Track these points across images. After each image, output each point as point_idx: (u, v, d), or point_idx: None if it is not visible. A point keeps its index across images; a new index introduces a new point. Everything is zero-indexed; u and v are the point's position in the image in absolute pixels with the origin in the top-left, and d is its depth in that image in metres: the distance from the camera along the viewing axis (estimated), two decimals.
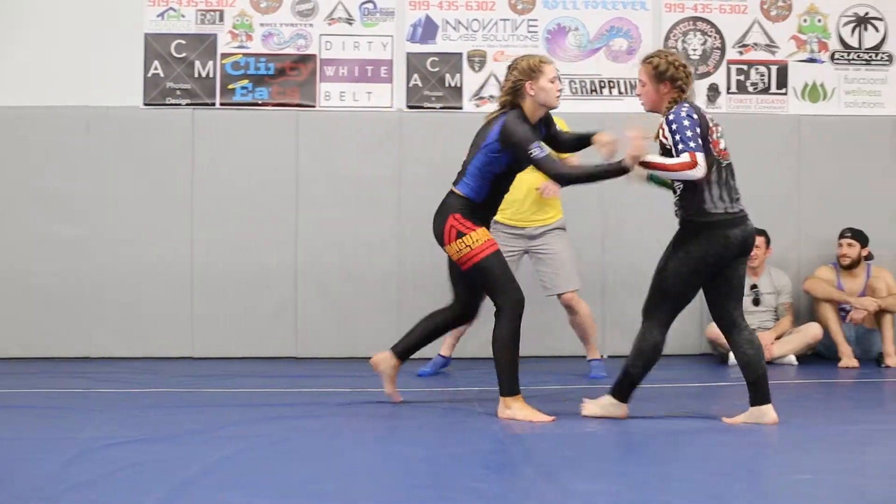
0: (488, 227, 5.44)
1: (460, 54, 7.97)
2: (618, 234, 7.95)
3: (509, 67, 5.43)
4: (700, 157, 4.86)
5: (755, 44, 8.07)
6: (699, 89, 7.98)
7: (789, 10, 8.13)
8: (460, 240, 5.28)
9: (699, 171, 4.85)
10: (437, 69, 7.98)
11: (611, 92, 7.98)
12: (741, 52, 8.09)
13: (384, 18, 7.95)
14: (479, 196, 5.35)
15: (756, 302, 7.76)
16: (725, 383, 6.74)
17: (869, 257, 7.72)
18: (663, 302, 5.08)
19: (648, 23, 8.02)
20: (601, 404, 5.27)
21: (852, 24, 8.16)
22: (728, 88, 8.08)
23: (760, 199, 7.78)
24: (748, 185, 7.55)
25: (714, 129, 5.07)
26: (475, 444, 4.69)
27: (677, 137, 4.91)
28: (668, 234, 5.29)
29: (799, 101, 8.07)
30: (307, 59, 7.92)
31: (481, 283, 5.37)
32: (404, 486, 3.88)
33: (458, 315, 5.64)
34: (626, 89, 7.95)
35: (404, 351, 5.66)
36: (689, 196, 5.02)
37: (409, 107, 7.96)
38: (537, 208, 6.89)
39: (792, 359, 7.49)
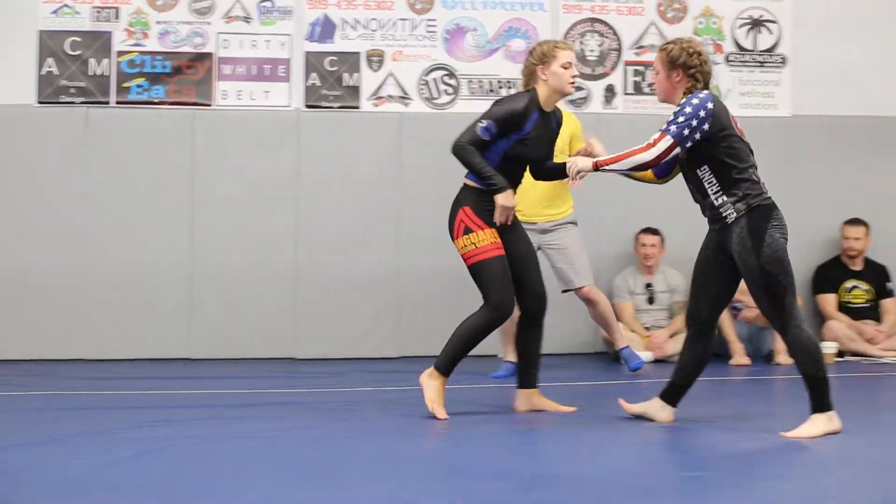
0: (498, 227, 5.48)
1: (358, 54, 8.36)
2: None
3: (528, 52, 5.59)
4: (664, 142, 4.92)
5: (652, 45, 8.49)
6: (596, 90, 8.53)
7: (685, 11, 8.63)
8: (467, 236, 5.37)
9: (649, 154, 4.95)
10: (335, 68, 8.35)
11: (509, 92, 8.28)
12: (638, 54, 8.56)
13: (282, 17, 8.31)
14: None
15: (650, 300, 8.27)
16: (617, 382, 7.11)
17: None
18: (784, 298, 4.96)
19: (546, 24, 8.45)
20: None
21: (747, 27, 8.67)
22: (625, 89, 8.54)
23: (656, 197, 8.39)
24: (643, 185, 8.42)
25: (733, 117, 5.11)
26: (356, 448, 4.79)
27: (673, 117, 4.95)
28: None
29: None
30: (204, 57, 8.26)
31: (478, 283, 5.42)
32: (291, 487, 3.98)
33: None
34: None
35: (445, 365, 5.53)
36: (736, 183, 4.99)
37: (308, 106, 8.31)
38: (549, 202, 7.08)
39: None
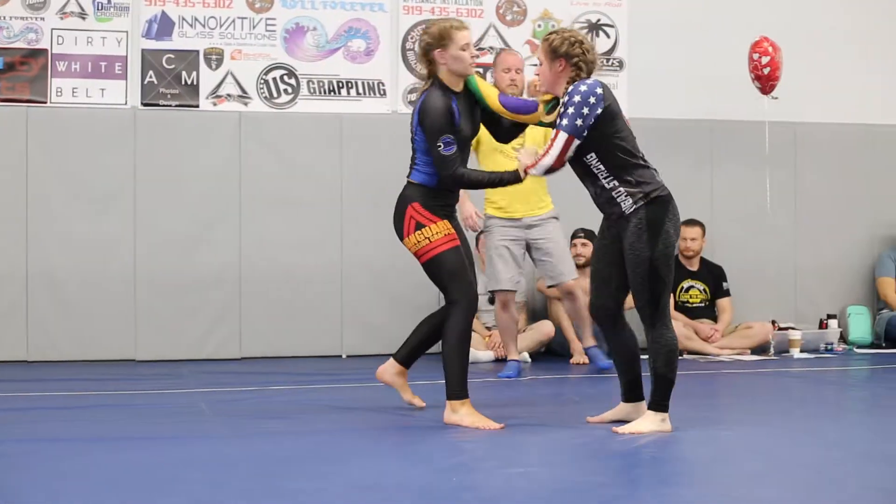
0: (452, 216, 5.68)
1: (197, 52, 8.78)
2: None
3: (422, 30, 5.66)
4: (559, 140, 5.04)
5: (491, 47, 9.15)
6: None
7: (524, 14, 9.28)
8: (419, 231, 5.50)
9: (550, 158, 5.09)
10: (172, 66, 8.75)
11: (349, 92, 8.94)
12: (477, 56, 9.42)
13: (119, 14, 8.67)
14: (432, 180, 5.56)
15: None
16: (488, 380, 7.49)
17: None
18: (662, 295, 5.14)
19: (386, 24, 9.00)
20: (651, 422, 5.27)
21: (585, 30, 9.32)
22: None
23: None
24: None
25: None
26: (178, 451, 4.98)
27: (569, 109, 5.05)
28: None
29: None
30: (38, 53, 8.58)
31: (436, 278, 5.55)
32: (92, 493, 4.08)
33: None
34: (364, 90, 8.95)
35: (406, 357, 5.95)
36: (628, 170, 5.12)
37: (144, 104, 8.69)
38: (532, 197, 7.56)
39: (525, 356, 8.45)
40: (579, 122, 5.01)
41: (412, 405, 6.07)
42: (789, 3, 9.73)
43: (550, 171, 5.17)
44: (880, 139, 10.02)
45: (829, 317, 9.34)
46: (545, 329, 8.82)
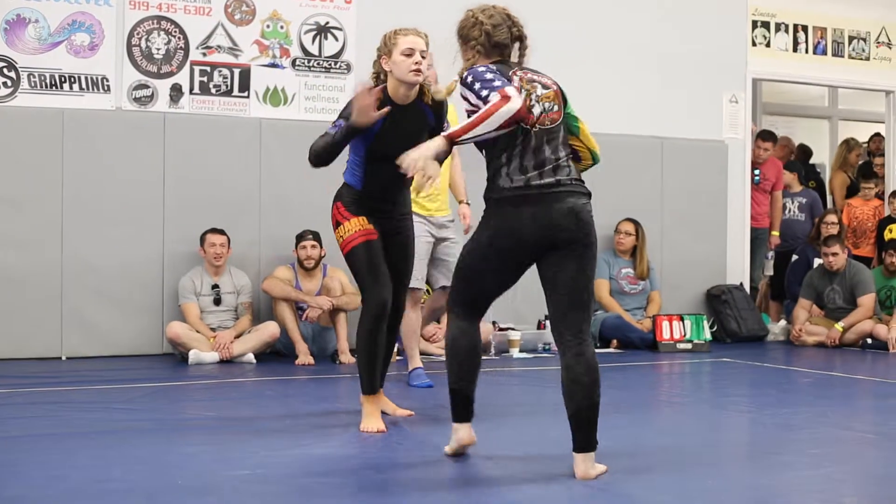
0: (377, 214, 5.69)
1: None
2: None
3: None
4: (511, 89, 4.42)
5: (219, 46, 9.28)
6: (162, 89, 9.15)
7: (253, 14, 9.42)
8: (338, 230, 5.64)
9: (515, 102, 4.37)
10: None
11: (72, 87, 8.87)
12: (205, 54, 9.23)
13: None
14: (358, 183, 5.69)
15: (217, 301, 8.93)
16: (184, 382, 7.73)
17: (323, 257, 9.05)
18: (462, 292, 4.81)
19: (112, 19, 8.98)
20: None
21: (313, 32, 9.60)
22: (191, 89, 9.20)
23: (222, 199, 9.12)
24: (212, 185, 9.35)
25: (527, 85, 4.66)
26: None
27: (477, 86, 4.50)
28: None
29: (261, 104, 9.42)
30: None
31: (353, 275, 5.70)
32: None
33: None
34: (87, 85, 8.90)
35: (365, 385, 5.74)
36: (489, 168, 4.69)
37: None
38: (445, 196, 7.55)
39: (250, 357, 8.67)
40: (504, 79, 4.54)
41: (401, 416, 6.10)
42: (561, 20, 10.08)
43: (513, 120, 4.43)
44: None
45: (547, 318, 9.76)
46: (270, 330, 8.98)
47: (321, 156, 5.52)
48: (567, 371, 4.52)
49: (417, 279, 7.17)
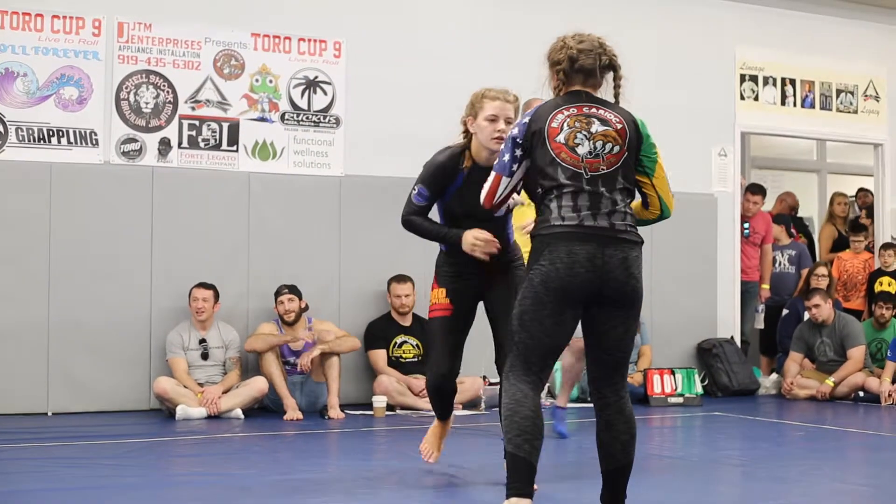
0: (461, 278, 5.56)
1: None
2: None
3: None
4: (490, 178, 4.52)
5: (207, 100, 9.32)
6: (150, 143, 9.16)
7: (242, 69, 9.47)
8: (432, 292, 5.66)
9: (481, 197, 4.57)
10: None
11: (60, 141, 8.88)
12: (193, 108, 9.26)
13: None
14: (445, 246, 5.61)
15: (205, 356, 8.88)
16: (172, 438, 7.68)
17: (305, 309, 9.09)
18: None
19: (100, 73, 9.02)
20: None
21: (302, 87, 9.65)
22: (180, 143, 9.22)
23: (210, 253, 9.12)
24: (200, 239, 9.33)
25: (577, 121, 4.43)
26: None
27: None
28: None
29: (249, 158, 9.44)
30: None
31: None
32: None
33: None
34: (75, 139, 8.92)
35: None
36: (538, 213, 4.50)
37: None
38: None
39: (238, 412, 8.59)
40: (506, 157, 4.50)
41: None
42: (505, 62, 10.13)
43: (492, 209, 4.61)
44: None
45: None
46: (258, 385, 8.92)
47: (417, 233, 5.56)
48: (607, 428, 4.41)
49: None
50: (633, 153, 4.46)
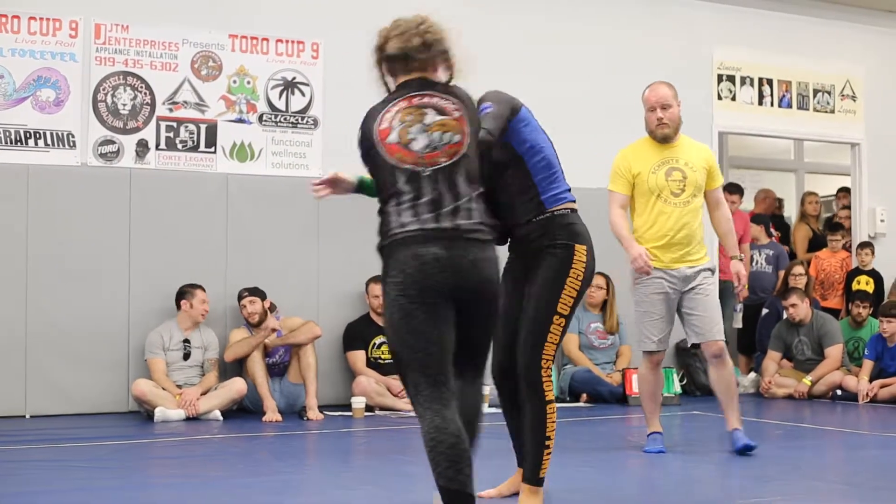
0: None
1: None
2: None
3: None
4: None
5: (185, 102, 9.31)
6: (128, 145, 9.16)
7: (219, 70, 9.46)
8: None
9: None
10: None
11: (37, 143, 8.87)
12: (171, 110, 9.26)
13: None
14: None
15: (186, 356, 8.88)
16: (150, 440, 7.70)
17: (272, 308, 9.08)
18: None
19: (77, 75, 9.00)
20: None
21: (280, 88, 9.66)
22: (157, 145, 9.21)
23: (188, 255, 9.11)
24: (178, 241, 9.34)
25: (410, 115, 4.15)
26: None
27: None
28: None
29: (227, 159, 9.44)
30: None
31: None
32: None
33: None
34: (52, 141, 8.90)
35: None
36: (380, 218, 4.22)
37: None
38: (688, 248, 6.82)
39: (217, 414, 8.58)
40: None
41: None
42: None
43: None
44: None
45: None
46: (237, 386, 8.92)
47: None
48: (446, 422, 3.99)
49: (653, 341, 6.87)
50: (475, 138, 4.20)
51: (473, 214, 4.08)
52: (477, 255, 4.02)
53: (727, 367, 6.80)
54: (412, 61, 4.20)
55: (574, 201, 5.06)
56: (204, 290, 9.05)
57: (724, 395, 6.79)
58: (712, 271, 6.86)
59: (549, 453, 4.80)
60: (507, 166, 4.85)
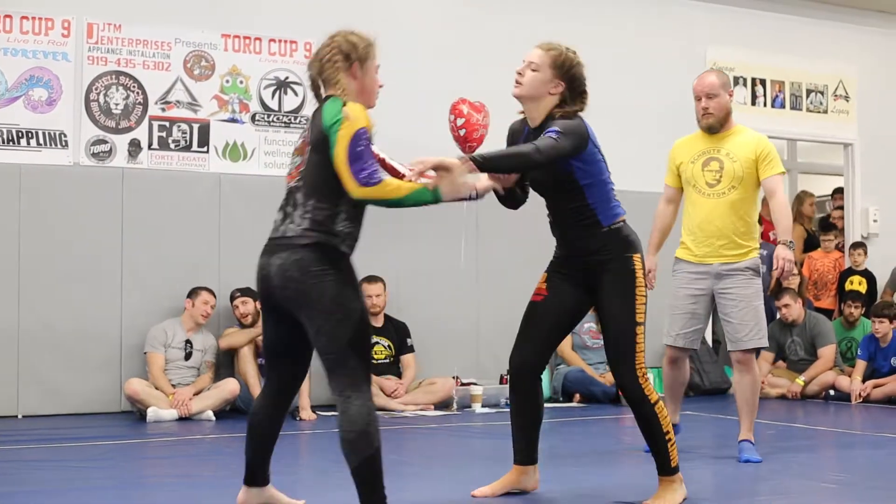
0: (565, 266, 5.28)
1: None
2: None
3: None
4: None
5: (178, 101, 9.31)
6: (120, 144, 9.16)
7: (212, 69, 9.46)
8: None
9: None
10: None
11: (29, 143, 8.86)
12: (164, 109, 9.26)
13: None
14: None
15: (188, 357, 8.91)
16: (143, 440, 7.72)
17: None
18: None
19: (70, 74, 8.99)
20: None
21: (273, 88, 9.67)
22: (150, 144, 9.21)
23: (181, 254, 9.12)
24: (171, 241, 9.33)
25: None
26: None
27: None
28: None
29: (220, 159, 9.44)
30: None
31: None
32: None
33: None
34: (45, 140, 8.90)
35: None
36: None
37: None
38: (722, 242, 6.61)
39: (210, 414, 8.59)
40: None
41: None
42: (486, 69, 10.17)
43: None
44: None
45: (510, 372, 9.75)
46: (230, 387, 8.93)
47: None
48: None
49: (669, 335, 6.79)
50: (321, 153, 4.34)
51: (304, 221, 4.32)
52: (286, 259, 4.27)
53: (749, 376, 6.57)
54: (318, 90, 4.76)
55: (624, 213, 5.28)
56: (212, 293, 9.07)
57: (739, 402, 6.64)
58: (755, 271, 6.54)
59: (673, 444, 5.10)
60: (565, 187, 5.09)
